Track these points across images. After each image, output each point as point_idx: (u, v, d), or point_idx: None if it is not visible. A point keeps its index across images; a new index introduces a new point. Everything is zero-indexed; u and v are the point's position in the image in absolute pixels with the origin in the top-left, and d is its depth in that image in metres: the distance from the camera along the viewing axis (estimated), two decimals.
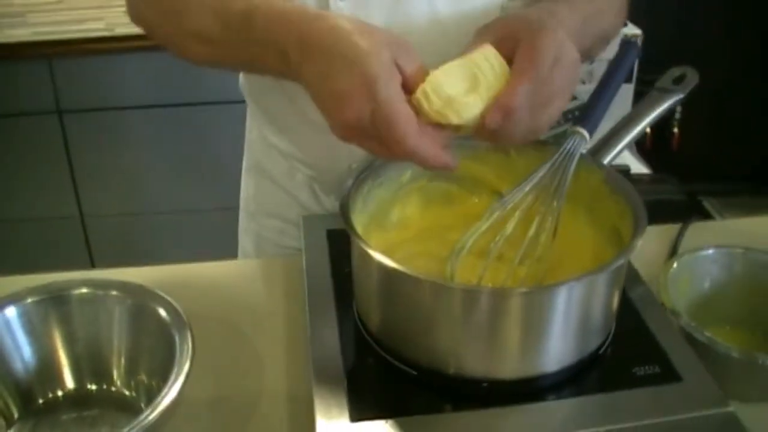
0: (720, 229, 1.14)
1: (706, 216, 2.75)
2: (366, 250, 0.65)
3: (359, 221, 0.74)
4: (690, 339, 0.75)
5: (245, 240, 1.14)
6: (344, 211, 0.69)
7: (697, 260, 0.87)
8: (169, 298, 0.74)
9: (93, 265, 2.02)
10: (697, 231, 1.04)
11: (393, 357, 0.69)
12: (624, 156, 1.50)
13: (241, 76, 1.01)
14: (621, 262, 0.64)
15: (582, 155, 0.78)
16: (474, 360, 0.66)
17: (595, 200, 0.78)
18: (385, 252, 0.66)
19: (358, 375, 0.69)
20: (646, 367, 0.69)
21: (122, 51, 1.81)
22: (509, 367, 0.66)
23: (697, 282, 0.87)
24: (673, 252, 1.00)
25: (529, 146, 0.80)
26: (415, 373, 0.68)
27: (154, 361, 0.73)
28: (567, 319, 0.65)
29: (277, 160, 1.02)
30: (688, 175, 2.68)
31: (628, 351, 0.71)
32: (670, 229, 1.05)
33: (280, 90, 0.90)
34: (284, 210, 1.05)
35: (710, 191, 2.77)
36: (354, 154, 0.84)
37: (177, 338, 0.71)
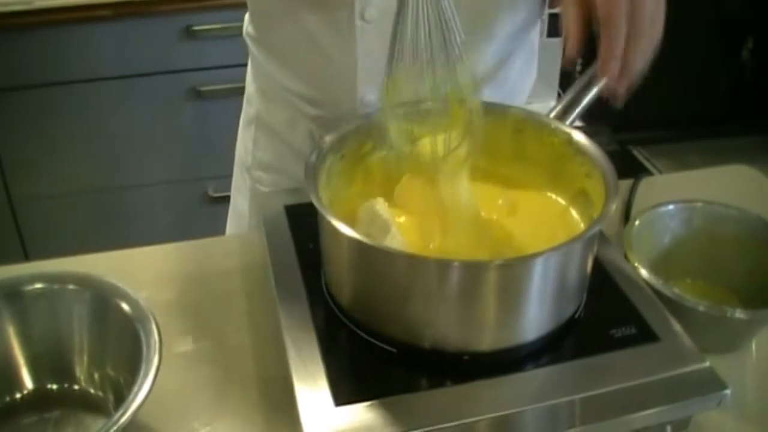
0: (667, 184, 1.17)
1: (637, 164, 2.80)
2: (337, 227, 0.63)
3: (323, 196, 0.71)
4: (658, 295, 0.75)
5: (238, 198, 1.14)
6: (310, 184, 0.67)
7: (658, 216, 0.88)
8: (129, 290, 0.71)
9: (26, 253, 1.94)
10: (646, 186, 1.06)
11: (370, 335, 0.67)
12: None
13: (247, 22, 1.01)
14: (597, 228, 0.64)
15: (543, 118, 0.77)
16: (453, 333, 0.65)
17: (558, 162, 0.77)
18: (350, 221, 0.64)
19: (335, 356, 0.67)
20: (623, 329, 0.69)
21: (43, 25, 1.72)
22: (488, 339, 0.65)
23: (658, 238, 0.88)
24: (627, 209, 1.01)
25: (488, 112, 0.78)
26: (393, 350, 0.66)
27: (119, 356, 0.70)
28: (544, 289, 0.64)
29: (279, 110, 1.02)
30: (617, 126, 2.72)
31: (603, 314, 0.71)
32: (623, 184, 1.05)
33: (292, 20, 0.89)
34: (282, 162, 1.05)
35: (639, 140, 2.82)
36: (365, 82, 0.85)
37: (141, 332, 0.68)
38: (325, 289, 0.72)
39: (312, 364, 0.65)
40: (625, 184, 1.04)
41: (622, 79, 0.74)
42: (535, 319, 0.65)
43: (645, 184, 1.07)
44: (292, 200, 0.84)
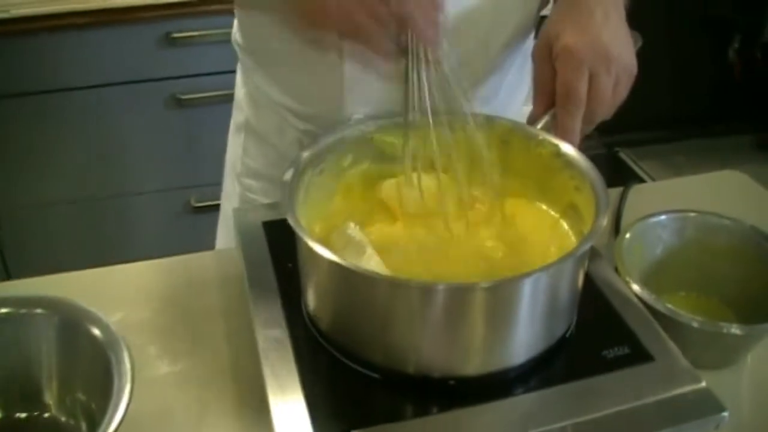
0: (657, 192, 1.14)
1: (624, 167, 2.78)
2: (315, 250, 0.60)
3: (301, 214, 0.69)
4: (651, 311, 0.73)
5: (228, 206, 1.11)
6: (287, 205, 0.64)
7: (649, 227, 0.85)
8: (100, 314, 0.67)
9: (5, 265, 1.90)
10: (635, 194, 1.03)
11: (351, 360, 0.64)
12: None
13: (236, 30, 0.99)
14: (587, 246, 0.61)
15: (530, 129, 0.75)
16: (439, 358, 0.62)
17: (547, 175, 0.74)
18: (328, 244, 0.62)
19: (315, 381, 0.64)
20: (616, 349, 0.66)
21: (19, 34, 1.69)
22: (475, 363, 0.62)
23: (650, 249, 0.86)
24: (617, 218, 0.98)
25: (475, 122, 0.76)
26: (376, 375, 0.63)
27: (91, 382, 0.67)
28: (534, 310, 0.61)
29: (268, 116, 0.99)
30: (603, 129, 2.70)
31: (595, 333, 0.68)
32: (612, 192, 1.03)
33: (279, 33, 0.88)
34: (272, 169, 1.02)
35: (625, 142, 2.80)
36: (353, 101, 0.85)
37: (113, 359, 0.64)
38: (304, 311, 0.69)
39: (291, 390, 0.62)
40: (615, 192, 1.02)
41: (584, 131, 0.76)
42: (524, 342, 0.62)
43: (635, 192, 1.04)
44: (270, 216, 0.81)
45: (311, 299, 0.68)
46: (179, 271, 0.89)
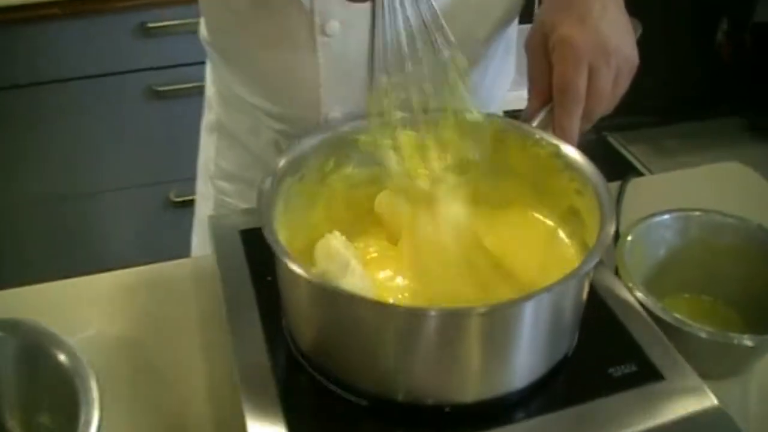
0: (656, 186, 1.08)
1: (613, 152, 2.74)
2: (297, 273, 0.54)
3: (282, 225, 0.63)
4: (656, 320, 0.68)
5: (203, 207, 1.06)
6: (265, 219, 0.58)
7: (652, 227, 0.81)
8: (64, 338, 0.62)
9: None
10: (633, 189, 0.98)
11: (337, 385, 0.59)
12: None
13: (203, 25, 0.92)
14: (594, 261, 0.56)
15: (526, 127, 0.70)
16: (432, 385, 0.57)
17: (544, 177, 0.69)
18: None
19: (298, 409, 0.58)
20: (623, 367, 0.61)
21: None
22: (472, 390, 0.57)
23: (653, 250, 0.81)
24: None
25: (468, 119, 0.71)
26: (365, 402, 0.58)
27: (57, 408, 0.61)
28: (535, 334, 0.56)
29: (240, 117, 0.94)
30: None
31: (599, 349, 0.63)
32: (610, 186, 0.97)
33: (248, 31, 0.81)
34: (247, 171, 0.97)
35: (614, 126, 2.76)
36: (329, 99, 0.79)
37: (80, 388, 0.59)
38: (286, 331, 0.64)
39: (272, 419, 0.57)
40: (611, 187, 0.97)
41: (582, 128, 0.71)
42: (524, 366, 0.57)
43: (632, 187, 0.99)
44: (247, 223, 0.75)
45: (292, 321, 0.62)
46: (153, 281, 0.83)
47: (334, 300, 0.55)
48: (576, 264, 0.61)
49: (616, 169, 0.99)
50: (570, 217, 0.67)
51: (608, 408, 0.58)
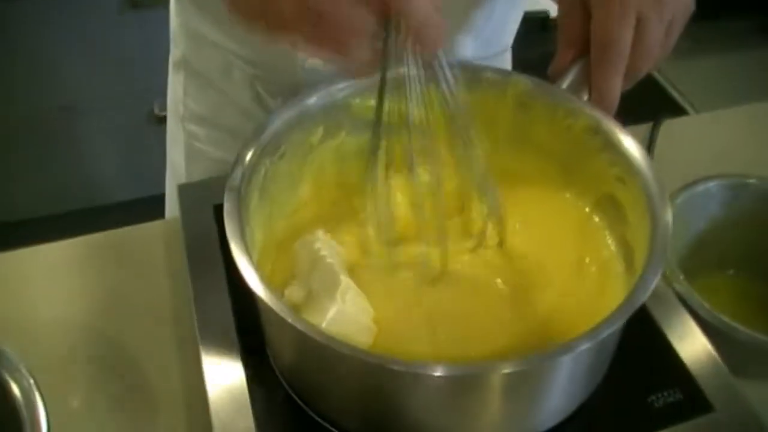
0: (692, 128, 0.94)
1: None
2: (278, 313, 0.43)
3: (258, 221, 0.52)
4: (694, 315, 0.58)
5: (174, 152, 0.94)
6: (233, 227, 0.47)
7: (695, 198, 0.70)
8: (20, 366, 0.52)
9: None
10: (667, 133, 0.86)
11: (325, 419, 0.49)
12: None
13: None
14: (647, 295, 0.44)
15: (556, 90, 0.57)
16: None
17: (577, 155, 0.57)
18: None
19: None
20: (665, 394, 0.51)
21: None
22: None
23: (693, 224, 0.71)
24: None
25: (483, 81, 0.58)
26: None
27: None
28: (569, 381, 0.46)
29: (209, 55, 0.81)
30: None
31: (639, 371, 0.53)
32: (637, 131, 0.85)
33: None
34: (219, 115, 0.85)
35: None
36: None
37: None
38: (272, 360, 0.54)
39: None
40: (639, 130, 0.85)
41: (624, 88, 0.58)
42: (553, 410, 0.47)
43: (666, 130, 0.87)
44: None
45: (275, 354, 0.52)
46: (120, 251, 0.72)
47: (321, 351, 0.44)
48: (616, 273, 0.51)
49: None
50: (605, 205, 0.56)
51: None
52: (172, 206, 0.97)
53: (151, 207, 1.22)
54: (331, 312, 0.46)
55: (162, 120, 1.71)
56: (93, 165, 1.81)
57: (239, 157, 0.51)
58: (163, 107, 1.68)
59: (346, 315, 0.47)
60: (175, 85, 0.89)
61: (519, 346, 0.49)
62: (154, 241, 0.72)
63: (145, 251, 0.71)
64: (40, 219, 1.78)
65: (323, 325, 0.46)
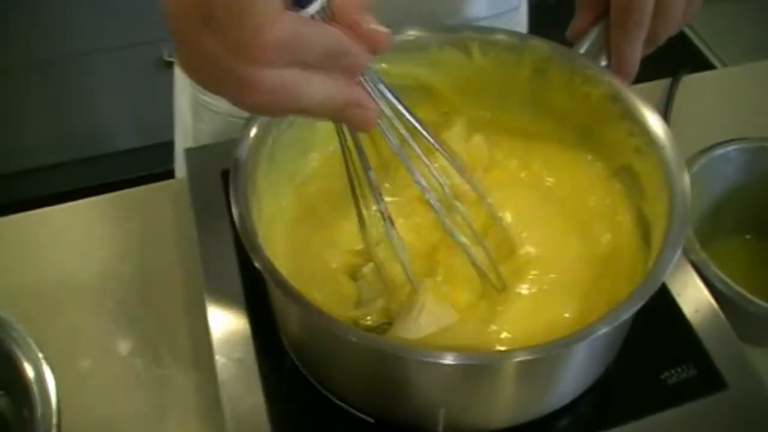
0: (710, 84, 0.89)
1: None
2: (301, 304, 0.42)
3: (266, 191, 0.51)
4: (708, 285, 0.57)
5: (181, 101, 0.92)
6: (242, 222, 0.45)
7: (713, 163, 0.68)
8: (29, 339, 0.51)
9: None
10: (684, 92, 0.83)
11: (337, 397, 0.49)
12: None
13: None
14: (662, 279, 0.43)
15: (574, 55, 0.55)
16: (456, 418, 0.46)
17: (595, 123, 0.55)
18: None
19: (287, 420, 0.49)
20: (679, 370, 0.50)
21: None
22: (501, 419, 0.47)
23: (709, 189, 0.69)
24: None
25: (499, 45, 0.56)
26: (372, 420, 0.48)
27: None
28: (583, 364, 0.46)
29: None
30: None
31: (653, 346, 0.52)
32: (654, 87, 0.83)
33: None
34: None
35: None
36: None
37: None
38: (280, 333, 0.53)
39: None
40: (657, 86, 0.82)
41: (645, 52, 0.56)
42: (566, 390, 0.47)
43: (683, 88, 0.84)
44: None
45: (290, 338, 0.51)
46: (127, 213, 0.71)
47: (329, 334, 0.43)
48: (633, 247, 0.50)
49: None
50: (625, 177, 0.54)
51: (661, 426, 0.48)
52: (181, 162, 0.96)
53: (158, 155, 1.21)
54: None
55: (171, 65, 1.69)
56: (100, 112, 1.79)
57: (246, 127, 0.50)
58: (172, 53, 1.66)
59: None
60: None
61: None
62: (162, 203, 0.71)
63: (153, 214, 0.71)
64: (46, 167, 1.77)
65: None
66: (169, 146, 0.99)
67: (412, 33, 0.57)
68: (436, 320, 0.46)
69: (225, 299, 0.55)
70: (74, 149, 1.80)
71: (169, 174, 0.83)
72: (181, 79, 0.92)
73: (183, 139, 0.95)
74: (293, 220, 0.54)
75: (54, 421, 0.50)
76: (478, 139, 0.59)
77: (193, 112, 0.91)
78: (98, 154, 1.83)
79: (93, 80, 1.74)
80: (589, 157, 0.57)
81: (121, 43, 1.69)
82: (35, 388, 0.50)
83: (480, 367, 0.41)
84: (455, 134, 0.58)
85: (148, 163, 1.38)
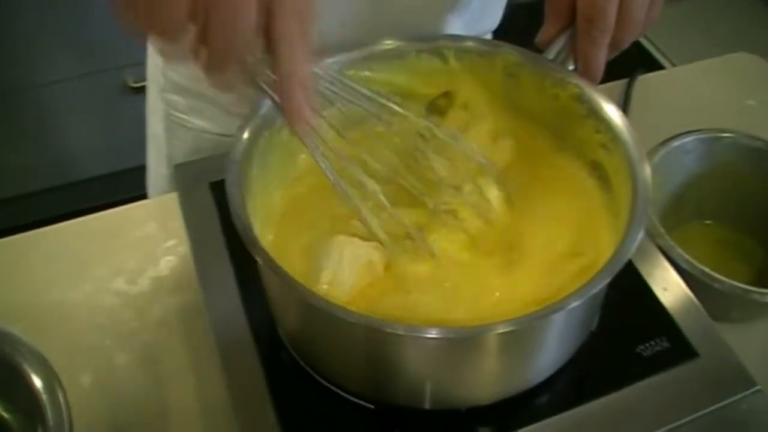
0: (665, 82, 0.96)
1: None
2: (291, 286, 0.45)
3: (258, 190, 0.54)
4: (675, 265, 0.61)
5: (154, 120, 0.94)
6: (236, 212, 0.49)
7: (672, 154, 0.72)
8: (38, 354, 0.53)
9: None
10: (642, 89, 0.88)
11: (335, 385, 0.52)
12: None
13: None
14: (630, 254, 0.47)
15: (543, 62, 0.59)
16: (444, 394, 0.50)
17: (564, 123, 0.60)
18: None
19: (291, 409, 0.52)
20: (652, 343, 0.54)
21: None
22: (488, 394, 0.51)
23: (670, 179, 0.73)
24: None
25: (473, 52, 0.60)
26: (372, 406, 0.51)
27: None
28: (562, 334, 0.49)
29: None
30: None
31: (627, 322, 0.56)
32: (612, 88, 0.88)
33: None
34: (200, 84, 0.84)
35: None
36: None
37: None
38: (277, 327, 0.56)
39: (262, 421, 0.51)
40: (615, 86, 0.87)
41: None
42: (549, 362, 0.51)
43: (640, 86, 0.89)
44: (218, 173, 0.65)
45: (283, 326, 0.54)
46: (113, 231, 0.73)
47: (332, 320, 0.46)
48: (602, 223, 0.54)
49: None
50: (594, 172, 0.58)
51: (639, 397, 0.52)
52: (157, 180, 0.98)
53: (128, 180, 1.22)
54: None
55: (137, 91, 1.70)
56: (66, 141, 1.79)
57: (239, 130, 0.53)
58: (137, 78, 1.68)
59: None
60: (155, 56, 0.89)
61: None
62: (145, 220, 0.73)
63: (138, 230, 0.73)
64: (14, 198, 1.77)
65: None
66: (138, 171, 1.01)
67: (391, 43, 0.60)
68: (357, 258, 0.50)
69: (222, 304, 0.57)
70: (41, 178, 1.81)
71: (140, 198, 0.85)
72: (153, 98, 0.94)
73: (156, 159, 0.97)
74: (285, 216, 0.57)
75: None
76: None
77: (166, 131, 0.93)
78: (65, 182, 1.83)
79: (58, 109, 1.74)
80: (563, 155, 0.61)
81: (83, 71, 1.70)
82: (45, 399, 0.52)
83: (462, 340, 0.45)
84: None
85: (119, 189, 1.39)
